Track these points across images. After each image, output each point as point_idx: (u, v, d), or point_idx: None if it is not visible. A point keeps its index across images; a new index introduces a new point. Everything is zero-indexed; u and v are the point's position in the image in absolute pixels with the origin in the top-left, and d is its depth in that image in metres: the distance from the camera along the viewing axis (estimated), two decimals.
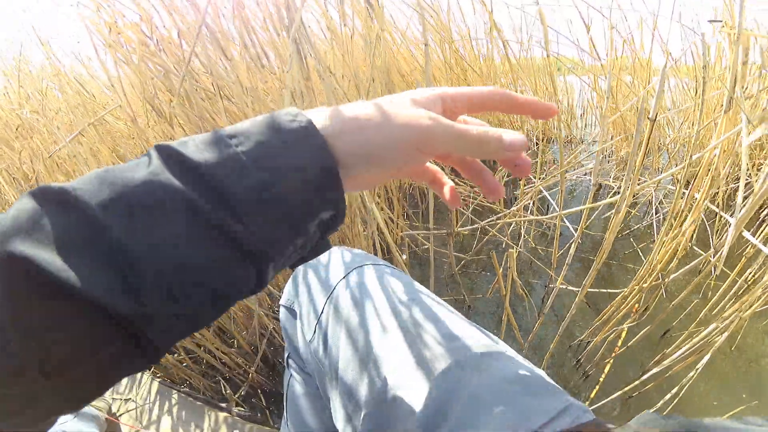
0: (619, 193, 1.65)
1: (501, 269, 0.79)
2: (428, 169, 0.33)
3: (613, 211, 1.53)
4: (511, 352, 0.36)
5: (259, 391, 1.09)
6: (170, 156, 0.19)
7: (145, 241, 0.17)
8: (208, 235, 0.18)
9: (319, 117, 0.23)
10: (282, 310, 0.51)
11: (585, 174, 1.55)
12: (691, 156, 0.58)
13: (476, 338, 0.35)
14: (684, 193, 0.71)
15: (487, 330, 1.11)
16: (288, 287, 0.50)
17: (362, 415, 0.35)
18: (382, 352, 0.35)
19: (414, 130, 0.23)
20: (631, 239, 1.46)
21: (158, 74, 0.69)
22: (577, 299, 0.78)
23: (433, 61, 1.50)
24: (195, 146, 0.20)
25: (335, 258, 0.47)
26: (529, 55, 1.50)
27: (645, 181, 1.42)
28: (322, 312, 0.43)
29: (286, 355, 0.52)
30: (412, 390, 0.32)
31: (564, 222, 0.99)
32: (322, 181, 0.21)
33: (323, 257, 0.48)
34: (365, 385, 0.35)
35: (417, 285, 0.44)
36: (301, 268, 0.50)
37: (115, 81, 0.78)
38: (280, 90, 0.71)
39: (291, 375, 0.51)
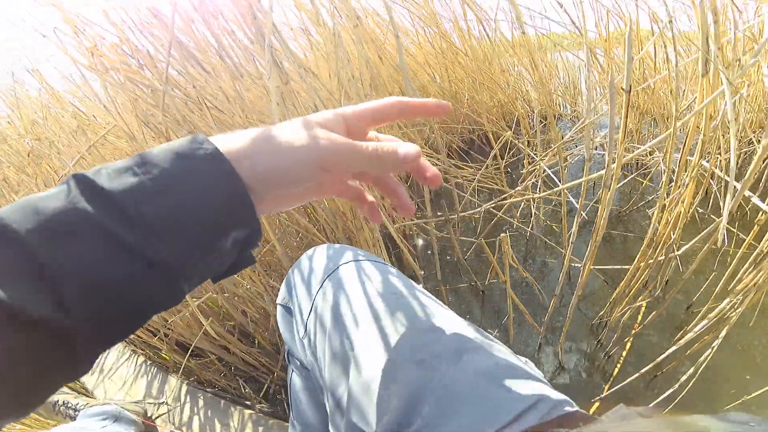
0: (633, 165, 1.60)
1: (496, 255, 0.78)
2: (351, 188, 0.34)
3: (623, 182, 1.49)
4: (494, 344, 0.35)
5: (283, 389, 1.12)
6: (86, 186, 0.21)
7: (69, 262, 0.20)
8: (121, 255, 0.21)
9: (224, 143, 0.24)
10: (278, 308, 0.52)
11: (595, 148, 1.51)
12: (675, 123, 0.55)
13: (456, 330, 0.35)
14: (688, 160, 0.69)
15: (503, 315, 1.10)
16: (283, 286, 0.52)
17: (344, 414, 0.35)
18: (358, 350, 0.36)
19: (311, 151, 0.25)
20: (647, 210, 1.42)
21: (146, 91, 0.70)
22: (581, 278, 0.76)
23: (424, 48, 1.48)
24: (107, 175, 0.22)
25: (318, 258, 0.47)
26: (512, 33, 1.46)
27: (647, 153, 1.37)
28: (309, 313, 0.44)
29: (286, 352, 0.54)
30: (388, 384, 0.33)
31: (569, 197, 0.97)
32: (231, 204, 0.24)
33: (308, 257, 0.49)
34: (343, 384, 0.36)
35: (399, 278, 0.44)
36: (292, 268, 0.51)
37: (108, 102, 0.80)
38: (263, 96, 0.71)
39: (292, 370, 0.53)
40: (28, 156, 1.60)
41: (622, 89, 0.49)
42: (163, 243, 0.22)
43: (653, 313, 0.92)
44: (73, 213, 0.20)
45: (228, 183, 0.23)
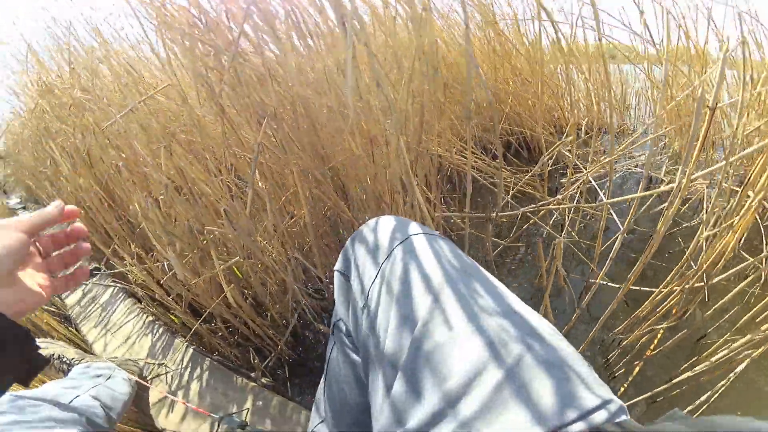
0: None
1: (547, 260, 0.76)
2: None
3: (664, 206, 1.46)
4: (563, 338, 0.35)
5: (285, 364, 1.13)
6: None
7: None
8: None
9: None
10: (336, 274, 0.52)
11: (636, 166, 1.47)
12: (734, 152, 0.53)
13: (528, 318, 0.34)
14: (736, 191, 0.67)
15: None
16: (343, 253, 0.51)
17: (397, 375, 0.35)
18: (426, 322, 0.35)
19: None
20: (678, 238, 1.39)
21: (208, 54, 0.70)
22: (618, 296, 0.75)
23: (475, 45, 1.45)
24: None
25: (384, 227, 0.47)
26: (583, 38, 1.42)
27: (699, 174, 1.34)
28: (374, 281, 0.43)
29: (335, 319, 0.53)
30: (451, 360, 0.32)
31: (611, 214, 0.95)
32: None
33: (371, 228, 0.48)
34: (405, 349, 0.35)
35: (469, 259, 0.43)
36: (353, 236, 0.50)
37: (166, 62, 0.80)
38: (324, 72, 0.71)
39: (336, 341, 0.52)
40: (70, 108, 1.63)
41: (707, 107, 0.47)
42: None
43: (673, 338, 0.90)
44: None
45: None
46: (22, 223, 0.39)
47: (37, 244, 0.43)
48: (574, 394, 0.28)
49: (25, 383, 0.36)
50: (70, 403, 0.67)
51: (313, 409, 0.58)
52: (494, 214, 0.77)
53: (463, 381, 0.30)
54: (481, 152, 1.42)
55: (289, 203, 1.13)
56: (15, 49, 2.24)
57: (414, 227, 0.45)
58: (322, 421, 0.55)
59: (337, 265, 0.51)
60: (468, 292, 0.36)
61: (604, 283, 1.16)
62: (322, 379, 0.57)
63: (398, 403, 0.34)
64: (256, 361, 1.09)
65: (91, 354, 1.24)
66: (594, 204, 0.85)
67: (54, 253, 0.44)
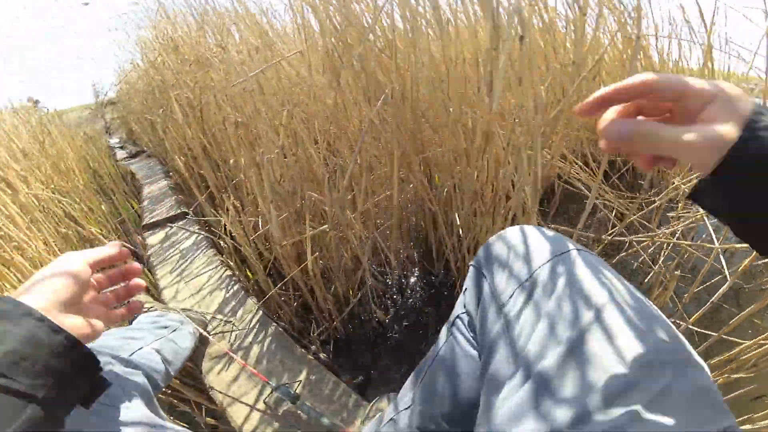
0: None
1: (658, 290, 0.73)
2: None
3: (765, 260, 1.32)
4: (705, 365, 0.35)
5: (332, 339, 1.14)
6: None
7: None
8: None
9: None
10: (471, 269, 0.52)
11: None
12: None
13: (684, 344, 0.35)
14: None
15: None
16: (483, 250, 0.51)
17: (535, 373, 0.36)
18: (584, 331, 0.36)
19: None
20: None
21: (345, 25, 0.74)
22: (709, 341, 0.71)
23: (610, 54, 1.39)
24: None
25: (534, 238, 0.46)
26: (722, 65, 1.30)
27: None
28: (519, 287, 0.43)
29: (459, 311, 0.53)
30: (608, 364, 0.33)
31: (720, 262, 0.88)
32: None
33: (511, 239, 0.48)
34: (553, 355, 0.36)
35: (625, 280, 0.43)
36: (495, 237, 0.50)
37: (301, 27, 0.85)
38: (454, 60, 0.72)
39: (452, 334, 0.52)
40: (190, 66, 1.77)
41: None
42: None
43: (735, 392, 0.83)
44: None
45: None
46: (86, 256, 0.44)
47: (94, 279, 0.47)
48: (715, 414, 0.31)
49: (87, 406, 0.39)
50: (131, 355, 0.64)
51: (393, 401, 0.60)
52: (608, 237, 0.74)
53: (619, 389, 0.32)
54: (583, 165, 1.36)
55: (375, 183, 1.15)
56: (148, 7, 2.46)
57: (568, 242, 0.45)
58: (403, 410, 0.56)
59: (474, 261, 0.52)
60: (634, 313, 0.36)
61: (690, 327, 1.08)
62: (417, 369, 0.58)
63: (531, 395, 0.35)
64: (314, 334, 1.10)
65: (160, 301, 1.24)
66: (714, 246, 0.79)
67: (110, 289, 0.50)
